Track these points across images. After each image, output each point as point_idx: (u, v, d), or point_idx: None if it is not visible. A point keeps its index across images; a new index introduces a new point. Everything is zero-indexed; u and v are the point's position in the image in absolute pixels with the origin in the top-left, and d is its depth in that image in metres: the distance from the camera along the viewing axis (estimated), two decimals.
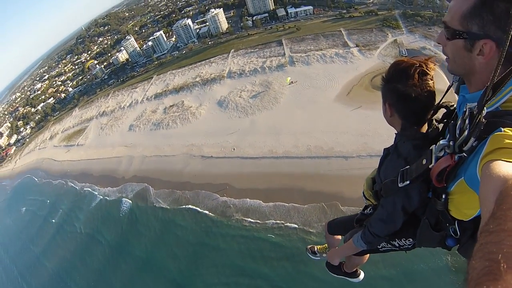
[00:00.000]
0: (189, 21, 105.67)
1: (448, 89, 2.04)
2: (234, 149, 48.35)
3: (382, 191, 2.11)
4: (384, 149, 2.33)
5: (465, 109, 1.40)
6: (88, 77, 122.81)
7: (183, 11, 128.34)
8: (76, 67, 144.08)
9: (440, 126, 2.03)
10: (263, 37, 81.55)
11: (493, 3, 1.23)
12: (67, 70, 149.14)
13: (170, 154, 54.92)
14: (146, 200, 47.46)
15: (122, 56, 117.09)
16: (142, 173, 53.63)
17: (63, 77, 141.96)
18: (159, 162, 54.11)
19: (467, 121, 1.36)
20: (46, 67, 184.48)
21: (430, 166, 1.59)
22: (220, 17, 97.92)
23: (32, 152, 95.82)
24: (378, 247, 2.55)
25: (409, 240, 2.35)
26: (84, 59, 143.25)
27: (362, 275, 3.60)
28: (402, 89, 1.89)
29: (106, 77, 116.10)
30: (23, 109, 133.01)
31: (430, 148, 1.62)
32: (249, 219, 36.64)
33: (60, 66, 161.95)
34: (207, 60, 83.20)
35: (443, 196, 1.72)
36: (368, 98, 44.40)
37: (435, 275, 25.48)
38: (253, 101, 57.39)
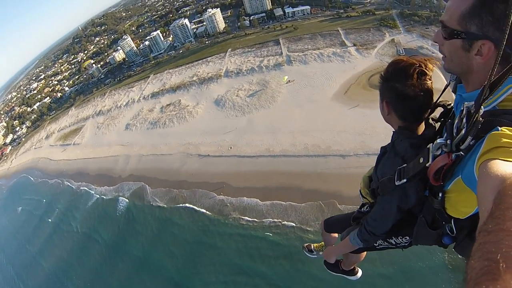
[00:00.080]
0: (186, 21, 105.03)
1: (445, 88, 2.05)
2: (231, 147, 48.28)
3: (379, 189, 2.11)
4: (381, 147, 2.32)
5: (462, 108, 1.40)
6: (85, 76, 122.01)
7: (180, 11, 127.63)
8: (73, 66, 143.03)
9: (437, 125, 2.04)
10: (260, 36, 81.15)
11: (493, 4, 1.23)
12: (63, 69, 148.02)
13: (167, 153, 54.72)
14: (143, 199, 47.30)
15: (119, 55, 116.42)
16: (139, 172, 53.40)
17: (59, 77, 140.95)
18: (156, 161, 53.90)
19: (464, 120, 1.36)
20: (43, 67, 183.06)
21: (427, 165, 1.59)
22: (217, 17, 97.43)
23: (28, 152, 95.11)
24: (375, 244, 2.56)
25: (406, 238, 2.36)
26: (81, 59, 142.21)
27: (359, 273, 3.62)
28: (400, 89, 1.89)
29: (102, 76, 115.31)
30: (19, 108, 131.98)
31: (427, 146, 1.62)
32: (246, 218, 36.64)
33: (56, 65, 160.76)
34: (204, 59, 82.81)
35: (440, 195, 1.72)
36: (366, 96, 44.56)
37: (432, 273, 25.63)
38: (250, 100, 57.27)
